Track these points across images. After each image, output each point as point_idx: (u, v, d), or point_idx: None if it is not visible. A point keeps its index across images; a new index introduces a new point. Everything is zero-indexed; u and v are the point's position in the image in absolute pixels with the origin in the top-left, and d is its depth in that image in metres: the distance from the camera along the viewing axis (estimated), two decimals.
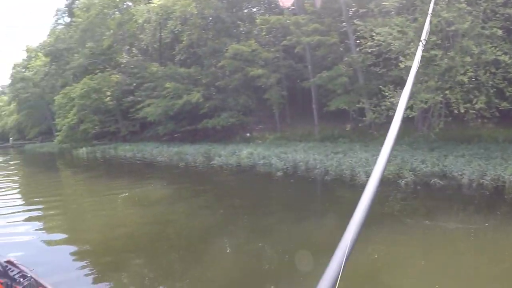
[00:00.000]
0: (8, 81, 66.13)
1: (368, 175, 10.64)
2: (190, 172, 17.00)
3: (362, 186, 7.04)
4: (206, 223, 8.64)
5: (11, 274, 4.10)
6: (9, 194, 14.93)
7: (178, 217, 9.55)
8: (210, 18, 27.02)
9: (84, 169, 23.69)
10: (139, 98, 30.02)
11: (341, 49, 21.16)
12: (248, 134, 25.62)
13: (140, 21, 30.62)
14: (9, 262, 4.54)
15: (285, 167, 14.20)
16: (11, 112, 68.03)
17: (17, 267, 4.44)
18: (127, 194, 12.76)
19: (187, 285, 5.57)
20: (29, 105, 55.44)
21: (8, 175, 23.03)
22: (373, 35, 15.10)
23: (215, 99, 25.43)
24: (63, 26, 47.43)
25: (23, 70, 58.82)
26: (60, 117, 37.23)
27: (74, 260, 6.81)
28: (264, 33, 26.83)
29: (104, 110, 34.12)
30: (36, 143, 58.55)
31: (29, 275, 4.11)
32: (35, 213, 11.18)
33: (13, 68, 61.69)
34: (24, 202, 13.59)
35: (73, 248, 7.56)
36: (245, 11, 30.17)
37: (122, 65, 37.05)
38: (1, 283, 4.12)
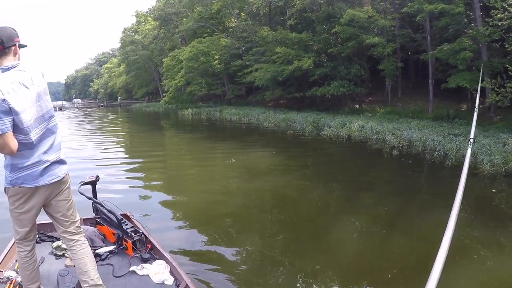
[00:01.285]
0: (118, 45, 69.96)
1: (493, 165, 9.12)
2: (299, 141, 16.05)
3: (487, 178, 5.84)
4: (319, 202, 7.67)
5: (125, 227, 4.20)
6: (116, 151, 15.31)
7: (287, 191, 8.53)
8: None
9: (189, 130, 23.78)
10: (247, 63, 29.95)
11: (465, 20, 19.16)
12: (357, 106, 24.42)
13: None
14: (124, 215, 4.68)
15: (400, 145, 12.95)
16: (120, 73, 72.43)
17: (131, 222, 4.57)
18: (233, 160, 12.13)
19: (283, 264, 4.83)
20: (138, 67, 58.46)
21: (116, 132, 24.13)
22: (505, 6, 13.29)
23: (326, 66, 24.30)
24: None
25: (133, 34, 61.53)
26: (167, 78, 38.57)
27: (170, 219, 6.61)
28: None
29: (211, 73, 34.57)
30: (142, 102, 61.88)
31: (140, 231, 4.19)
32: (137, 171, 11.18)
33: (123, 32, 64.93)
34: (128, 158, 13.72)
35: (169, 207, 7.34)
36: None
37: (231, 29, 37.19)
38: (114, 234, 4.32)
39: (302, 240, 5.68)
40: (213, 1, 35.88)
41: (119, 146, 17.75)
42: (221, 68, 33.55)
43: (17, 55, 2.74)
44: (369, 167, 11.19)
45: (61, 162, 2.89)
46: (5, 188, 2.76)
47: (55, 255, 4.03)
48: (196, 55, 32.88)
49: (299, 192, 8.42)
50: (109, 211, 4.36)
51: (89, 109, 64.70)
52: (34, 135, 2.67)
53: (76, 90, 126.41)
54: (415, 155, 11.81)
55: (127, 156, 14.45)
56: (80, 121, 34.91)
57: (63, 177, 2.90)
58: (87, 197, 4.54)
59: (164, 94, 40.80)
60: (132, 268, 3.67)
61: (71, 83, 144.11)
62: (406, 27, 22.38)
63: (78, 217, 3.10)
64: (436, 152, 11.40)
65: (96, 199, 4.70)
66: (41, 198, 2.79)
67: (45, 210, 2.94)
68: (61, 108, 67.52)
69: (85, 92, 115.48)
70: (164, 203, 7.67)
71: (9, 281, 3.40)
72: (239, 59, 31.97)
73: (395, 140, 13.51)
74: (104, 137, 20.85)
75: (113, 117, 41.02)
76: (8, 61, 2.65)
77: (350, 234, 5.84)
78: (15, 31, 2.74)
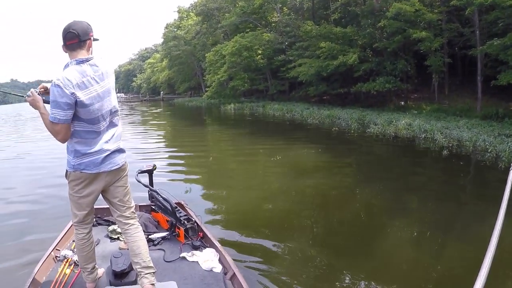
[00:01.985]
0: (161, 40, 71.05)
1: None
2: (345, 139, 15.73)
3: None
4: (367, 204, 7.36)
5: (178, 215, 4.36)
6: (161, 144, 15.79)
7: (335, 191, 8.28)
8: None
9: (232, 125, 23.81)
10: (291, 58, 29.74)
11: None
12: (402, 103, 23.85)
13: None
14: (178, 204, 4.85)
15: (449, 145, 12.44)
16: (162, 68, 73.62)
17: (185, 210, 4.75)
18: (279, 156, 12.07)
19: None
20: (180, 62, 59.08)
21: (160, 125, 24.74)
22: None
23: (371, 62, 23.86)
24: None
25: (175, 29, 62.31)
26: (210, 73, 38.97)
27: (216, 211, 6.79)
28: None
29: (254, 68, 34.56)
30: (185, 97, 62.78)
31: (193, 220, 4.36)
32: (183, 164, 11.46)
33: (166, 27, 65.86)
34: (173, 151, 14.13)
35: (216, 200, 7.52)
36: None
37: (273, 24, 37.11)
38: (167, 221, 4.48)
39: (348, 242, 5.58)
40: None
41: (164, 139, 18.20)
42: (264, 63, 33.53)
43: (90, 49, 2.87)
44: (419, 168, 10.82)
45: (120, 151, 3.04)
46: (67, 171, 2.91)
47: (110, 238, 4.30)
48: (239, 50, 33.02)
49: (347, 193, 8.23)
50: (165, 199, 4.54)
51: (133, 103, 66.17)
52: (101, 127, 2.85)
53: (119, 84, 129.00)
54: (465, 156, 11.35)
55: (172, 149, 14.83)
56: (125, 115, 35.67)
57: (122, 165, 3.05)
58: (144, 184, 4.79)
59: (207, 89, 41.27)
60: (182, 254, 3.82)
61: (115, 78, 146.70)
62: (454, 21, 21.67)
63: (133, 203, 3.24)
64: (488, 154, 10.90)
65: (152, 187, 4.92)
66: (101, 184, 2.94)
67: (102, 195, 3.08)
68: None
69: (128, 87, 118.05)
70: (209, 196, 7.85)
71: (66, 259, 3.66)
72: (282, 54, 31.74)
73: (444, 139, 13.09)
74: (149, 130, 21.46)
75: (156, 111, 41.67)
76: (82, 54, 2.78)
77: (398, 239, 5.69)
78: (90, 25, 2.86)
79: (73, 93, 2.63)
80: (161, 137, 18.68)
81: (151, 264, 3.10)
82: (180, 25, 61.27)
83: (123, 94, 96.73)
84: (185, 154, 13.53)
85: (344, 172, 10.23)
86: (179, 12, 63.18)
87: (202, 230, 4.25)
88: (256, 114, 29.16)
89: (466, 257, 4.95)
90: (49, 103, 2.79)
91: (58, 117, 2.63)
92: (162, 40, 67.33)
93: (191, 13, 57.91)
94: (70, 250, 3.86)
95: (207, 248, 3.94)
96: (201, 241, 4.13)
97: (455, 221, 6.36)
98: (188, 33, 55.29)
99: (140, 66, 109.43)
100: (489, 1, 16.57)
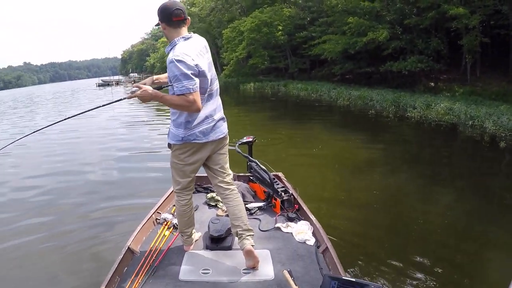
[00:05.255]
0: None
1: None
2: (386, 125, 14.28)
3: None
4: (456, 215, 5.83)
5: (276, 186, 4.39)
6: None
7: (406, 195, 6.85)
8: None
9: (257, 107, 22.32)
10: (313, 34, 28.35)
11: None
12: (432, 84, 22.39)
13: None
14: (276, 175, 4.89)
15: (502, 135, 11.12)
16: None
17: (282, 182, 4.74)
18: (320, 147, 10.52)
19: None
20: None
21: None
22: None
23: (402, 39, 22.34)
24: None
25: (188, 6, 60.60)
26: (227, 51, 37.61)
27: None
28: None
29: (274, 45, 33.24)
30: None
31: (290, 192, 4.35)
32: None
33: None
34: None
35: None
36: None
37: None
38: (264, 192, 4.61)
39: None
40: None
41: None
42: (285, 40, 32.13)
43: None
44: (487, 164, 9.06)
45: (224, 119, 3.20)
46: (171, 144, 3.05)
47: (208, 205, 4.56)
48: (258, 26, 31.63)
49: (425, 199, 6.54)
50: (264, 170, 4.61)
51: None
52: (208, 95, 2.97)
53: (133, 64, 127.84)
54: None
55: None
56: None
57: (226, 133, 3.21)
58: (243, 155, 4.95)
59: (224, 68, 40.01)
60: (277, 225, 3.90)
61: (128, 58, 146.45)
62: None
63: (231, 171, 3.36)
64: None
65: (252, 158, 4.99)
66: (207, 152, 3.09)
67: (203, 163, 3.19)
68: (118, 83, 68.50)
69: (141, 67, 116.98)
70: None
71: (165, 222, 3.98)
72: (303, 30, 30.32)
73: (494, 128, 11.82)
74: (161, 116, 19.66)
75: None
76: (184, 32, 2.91)
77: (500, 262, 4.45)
78: None
79: (197, 64, 2.75)
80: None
81: (251, 228, 3.22)
82: (194, 2, 59.51)
83: (136, 74, 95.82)
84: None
85: (408, 170, 8.53)
86: None
87: (298, 203, 4.26)
88: (279, 94, 27.74)
89: None
90: (160, 89, 2.88)
91: (190, 86, 2.68)
92: None
93: None
94: (170, 214, 4.12)
95: (301, 221, 3.96)
96: (296, 214, 4.16)
97: None
98: (202, 10, 53.57)
99: (153, 46, 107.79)
100: None
